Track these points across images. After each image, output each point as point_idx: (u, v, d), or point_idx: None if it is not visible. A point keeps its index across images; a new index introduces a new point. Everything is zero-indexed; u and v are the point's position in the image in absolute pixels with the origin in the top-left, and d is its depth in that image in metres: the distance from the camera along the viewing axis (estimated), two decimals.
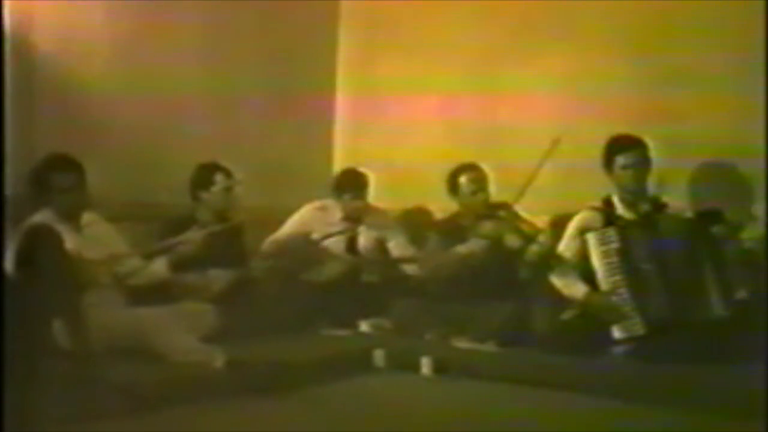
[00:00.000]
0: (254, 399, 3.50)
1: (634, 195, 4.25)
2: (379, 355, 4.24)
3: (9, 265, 3.43)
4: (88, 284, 3.69)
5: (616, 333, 4.04)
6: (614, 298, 4.06)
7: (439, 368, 4.10)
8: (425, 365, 4.11)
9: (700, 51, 4.69)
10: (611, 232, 4.13)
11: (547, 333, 4.19)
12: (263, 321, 4.22)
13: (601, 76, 4.98)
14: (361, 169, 5.04)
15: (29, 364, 3.13)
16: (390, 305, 4.70)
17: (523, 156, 4.96)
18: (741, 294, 3.98)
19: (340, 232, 4.93)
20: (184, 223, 4.40)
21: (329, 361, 4.09)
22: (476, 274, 4.51)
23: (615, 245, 4.10)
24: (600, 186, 4.35)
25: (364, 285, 4.90)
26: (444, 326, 4.45)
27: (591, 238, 4.15)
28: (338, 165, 5.67)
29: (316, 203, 5.07)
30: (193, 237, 4.24)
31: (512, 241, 4.41)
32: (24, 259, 3.38)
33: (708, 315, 3.97)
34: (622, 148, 4.24)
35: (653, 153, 4.27)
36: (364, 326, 4.69)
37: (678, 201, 4.42)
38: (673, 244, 4.08)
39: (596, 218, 4.26)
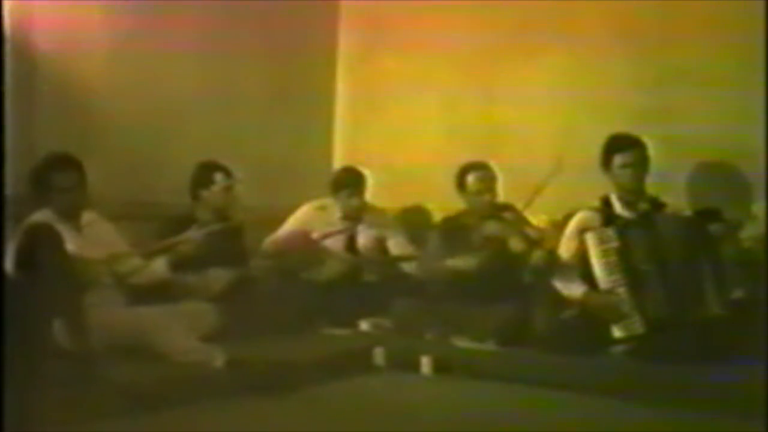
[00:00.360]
0: (254, 399, 3.50)
1: (633, 194, 4.25)
2: (379, 355, 4.24)
3: (9, 264, 3.43)
4: (88, 284, 3.70)
5: (616, 332, 4.04)
6: (613, 298, 4.06)
7: (439, 368, 4.10)
8: (425, 365, 4.12)
9: (700, 51, 4.70)
10: (610, 232, 4.13)
11: (546, 332, 4.19)
12: (263, 321, 4.22)
13: (601, 76, 4.99)
14: (359, 168, 5.05)
15: (29, 364, 3.13)
16: (390, 305, 4.70)
17: (522, 156, 4.99)
18: (739, 293, 3.98)
19: (339, 232, 4.94)
20: (184, 223, 4.40)
21: (329, 360, 4.09)
22: (477, 278, 4.51)
23: (614, 244, 4.10)
24: (600, 186, 4.35)
25: (364, 284, 4.91)
26: (444, 326, 4.45)
27: (590, 238, 4.15)
28: (338, 164, 5.68)
29: (315, 203, 5.08)
30: (193, 236, 4.24)
31: (515, 244, 4.41)
32: (24, 259, 3.38)
33: (706, 314, 3.97)
34: (620, 147, 4.24)
35: (652, 153, 4.28)
36: (364, 326, 4.69)
37: (677, 201, 4.42)
38: (671, 243, 4.08)
39: (595, 218, 4.26)
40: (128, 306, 4.04)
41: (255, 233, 4.86)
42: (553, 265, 4.23)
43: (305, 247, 4.89)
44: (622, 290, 4.07)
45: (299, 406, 3.55)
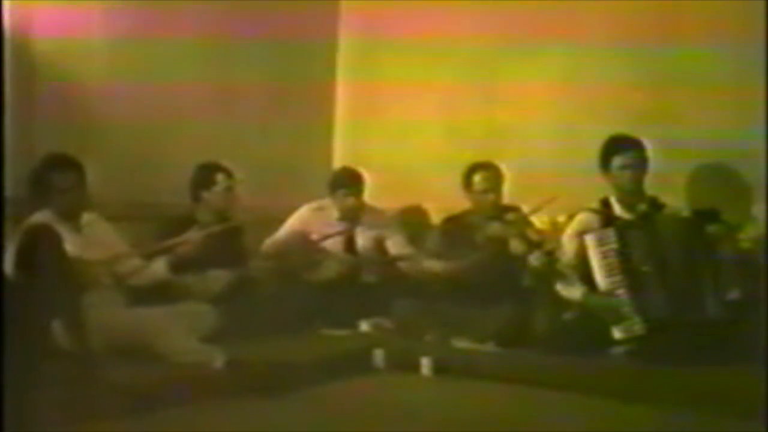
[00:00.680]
0: (254, 399, 3.50)
1: (632, 196, 4.25)
2: (378, 355, 4.23)
3: (9, 265, 3.43)
4: (88, 284, 3.69)
5: (616, 333, 4.04)
6: (613, 299, 4.06)
7: (439, 368, 4.10)
8: (425, 365, 4.11)
9: (700, 51, 4.69)
10: (609, 233, 4.13)
11: (546, 334, 4.19)
12: (263, 321, 4.22)
13: (601, 76, 4.98)
14: (356, 168, 5.04)
15: (29, 364, 3.12)
16: (390, 305, 4.70)
17: (522, 156, 4.99)
18: (739, 294, 3.98)
19: (339, 233, 4.94)
20: (184, 223, 4.40)
21: (329, 361, 4.09)
22: (478, 279, 4.51)
23: (613, 246, 4.10)
24: (599, 186, 4.35)
25: (364, 285, 4.91)
26: (444, 327, 4.45)
27: (589, 239, 4.15)
28: (338, 165, 5.66)
29: (314, 203, 5.08)
30: (193, 237, 4.24)
31: (517, 246, 4.41)
32: (24, 260, 3.37)
33: (705, 315, 3.97)
34: (619, 148, 4.25)
35: (652, 153, 4.28)
36: (363, 326, 4.69)
37: (677, 202, 4.42)
38: (671, 244, 4.08)
39: (594, 220, 4.27)
40: (128, 307, 4.03)
41: (255, 234, 4.86)
42: (552, 266, 4.23)
43: (304, 248, 4.89)
44: (621, 291, 4.07)
45: (299, 406, 3.55)
